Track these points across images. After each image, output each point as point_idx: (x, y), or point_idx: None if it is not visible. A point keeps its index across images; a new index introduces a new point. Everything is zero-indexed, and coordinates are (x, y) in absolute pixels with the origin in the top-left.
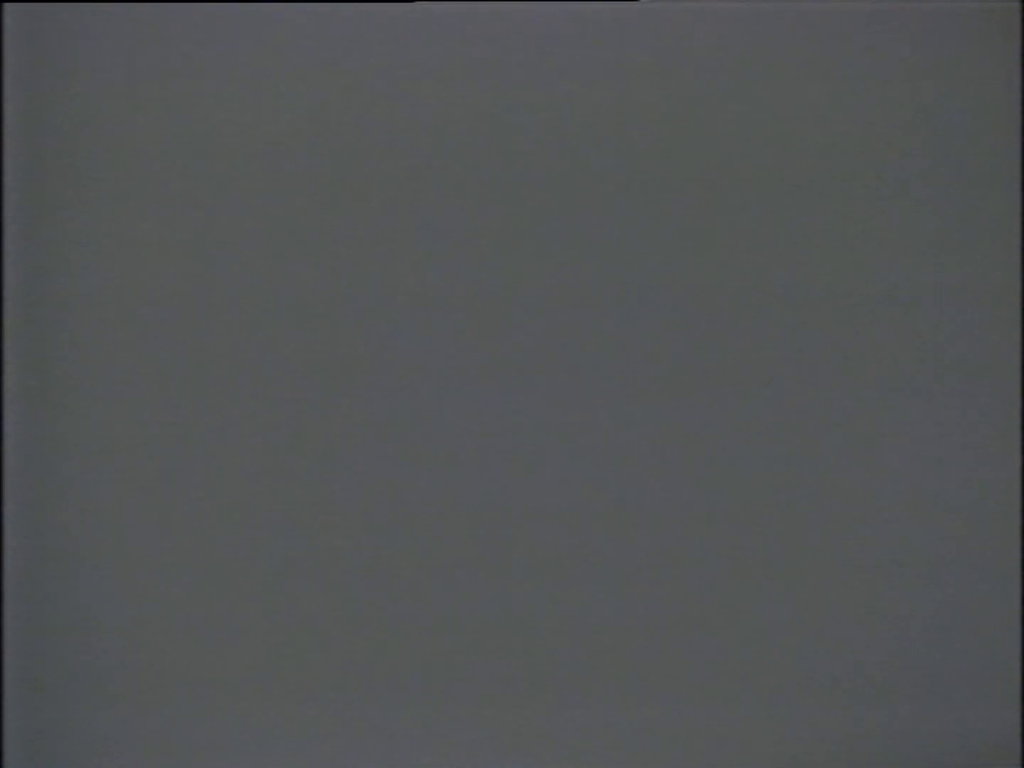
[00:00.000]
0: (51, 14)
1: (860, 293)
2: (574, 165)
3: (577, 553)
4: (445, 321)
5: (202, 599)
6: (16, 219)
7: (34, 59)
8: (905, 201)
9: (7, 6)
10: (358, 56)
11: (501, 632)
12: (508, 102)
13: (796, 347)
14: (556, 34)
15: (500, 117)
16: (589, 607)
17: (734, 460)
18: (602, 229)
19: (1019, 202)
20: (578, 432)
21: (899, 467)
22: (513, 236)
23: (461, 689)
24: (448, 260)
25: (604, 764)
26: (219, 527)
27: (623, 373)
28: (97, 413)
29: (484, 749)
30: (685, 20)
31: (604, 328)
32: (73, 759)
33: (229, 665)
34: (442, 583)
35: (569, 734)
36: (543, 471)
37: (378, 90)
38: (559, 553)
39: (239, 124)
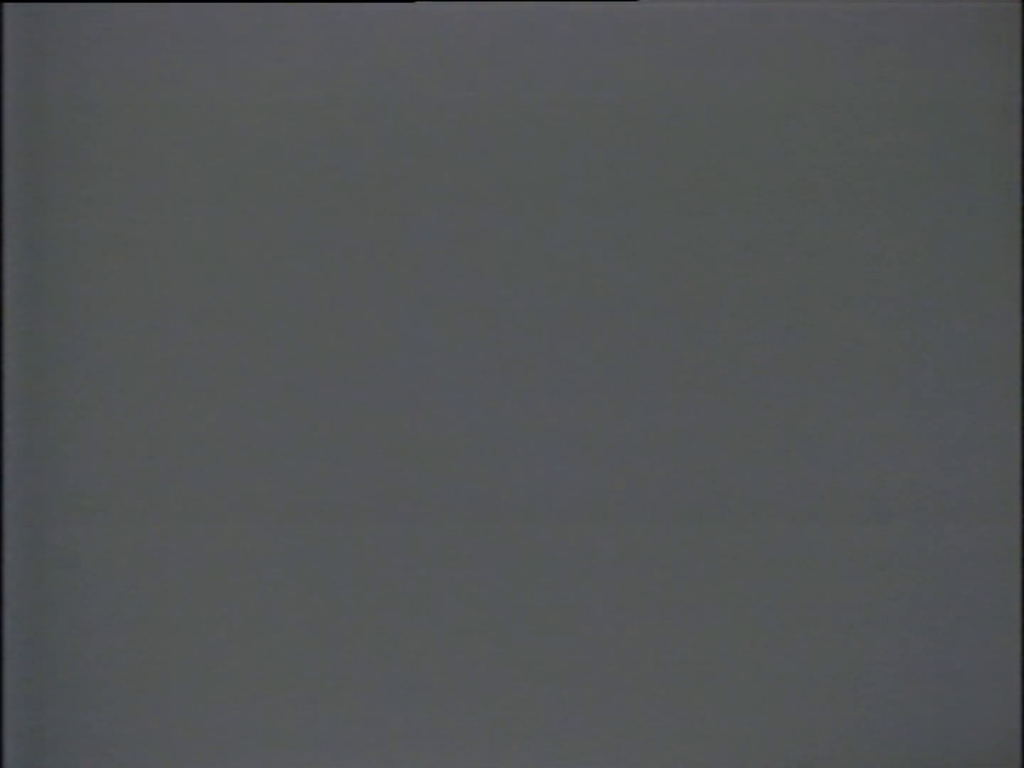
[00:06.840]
0: (51, 14)
1: (860, 292)
2: (574, 165)
3: (577, 553)
4: (445, 320)
5: (202, 599)
6: (16, 219)
7: (34, 59)
8: (905, 201)
9: (7, 6)
10: (358, 56)
11: (500, 632)
12: (508, 102)
13: (796, 347)
14: (556, 34)
15: (500, 117)
16: (589, 606)
17: (735, 460)
18: (602, 228)
19: (1019, 202)
20: (579, 432)
21: (899, 467)
22: (513, 235)
23: (461, 688)
24: (448, 259)
25: (604, 764)
26: (220, 527)
27: (624, 372)
28: (97, 413)
29: (484, 749)
30: (685, 20)
31: (605, 327)
32: (73, 759)
33: (229, 665)
34: (442, 582)
35: (568, 734)
36: (544, 471)
37: (379, 89)
38: (560, 553)
39: (239, 123)
